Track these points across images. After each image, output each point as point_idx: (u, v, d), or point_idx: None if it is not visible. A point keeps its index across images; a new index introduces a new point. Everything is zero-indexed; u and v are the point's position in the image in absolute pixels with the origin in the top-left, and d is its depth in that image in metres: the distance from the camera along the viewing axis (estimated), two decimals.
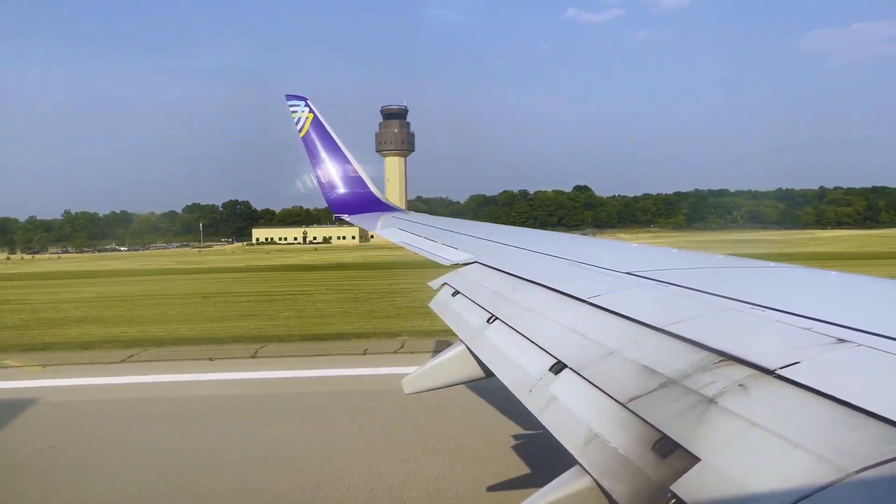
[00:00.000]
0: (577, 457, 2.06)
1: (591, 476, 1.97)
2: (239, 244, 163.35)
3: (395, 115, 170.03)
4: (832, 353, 1.90)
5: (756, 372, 1.86)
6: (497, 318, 3.69)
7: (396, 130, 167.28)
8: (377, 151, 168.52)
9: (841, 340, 1.97)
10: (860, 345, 1.92)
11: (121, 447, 10.03)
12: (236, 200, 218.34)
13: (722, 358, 2.04)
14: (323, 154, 11.67)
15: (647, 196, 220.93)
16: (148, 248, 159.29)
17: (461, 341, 3.92)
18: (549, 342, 2.93)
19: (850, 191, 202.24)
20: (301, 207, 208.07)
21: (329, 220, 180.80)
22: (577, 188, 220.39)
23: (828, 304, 2.69)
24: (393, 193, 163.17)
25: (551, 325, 3.16)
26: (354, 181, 11.77)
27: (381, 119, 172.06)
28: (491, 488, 8.15)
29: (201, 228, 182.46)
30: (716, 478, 1.56)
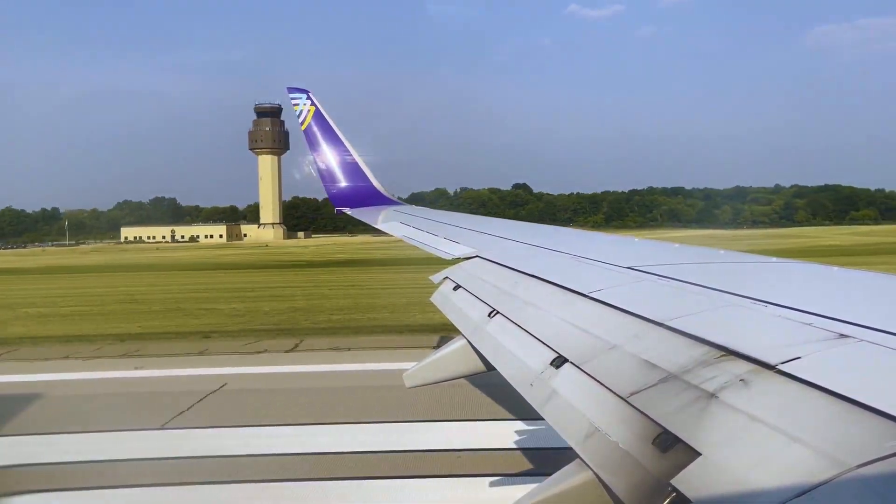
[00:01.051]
0: (577, 450, 2.07)
1: (592, 470, 1.97)
2: (103, 243, 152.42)
3: (267, 114, 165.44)
4: (833, 348, 1.90)
5: (757, 367, 1.86)
6: (498, 313, 3.69)
7: (268, 129, 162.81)
8: (250, 150, 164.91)
9: (842, 336, 1.97)
10: (861, 340, 1.92)
11: None
12: (163, 197, 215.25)
13: (723, 353, 2.04)
14: (324, 147, 11.65)
15: (571, 195, 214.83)
16: (25, 247, 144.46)
17: (462, 335, 3.92)
18: (550, 336, 2.93)
19: (801, 189, 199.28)
20: (227, 206, 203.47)
21: (254, 219, 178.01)
22: (516, 185, 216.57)
23: (829, 300, 2.68)
24: (266, 193, 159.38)
25: (552, 320, 3.16)
26: (356, 175, 11.75)
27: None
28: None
29: (66, 227, 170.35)
30: (716, 472, 1.56)
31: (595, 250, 4.66)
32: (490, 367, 3.51)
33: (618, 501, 1.81)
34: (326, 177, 11.69)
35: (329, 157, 11.67)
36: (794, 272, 3.66)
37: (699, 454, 1.65)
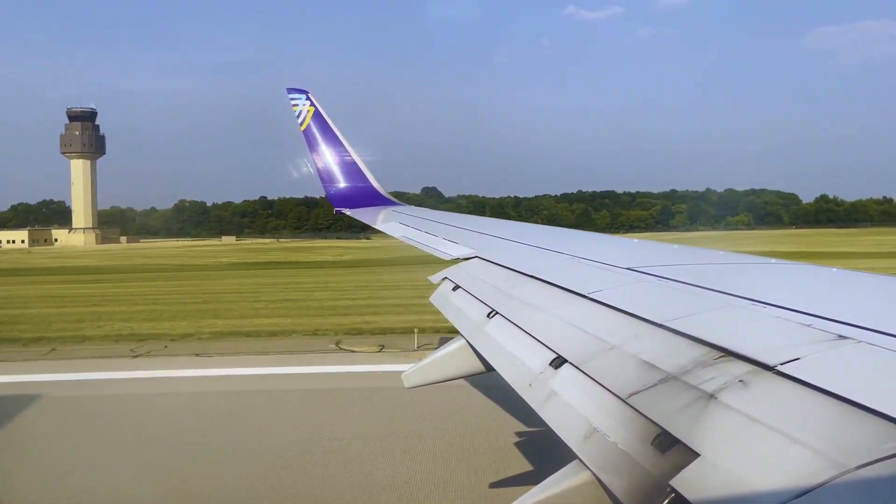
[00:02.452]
0: (576, 451, 2.06)
1: (591, 470, 1.97)
2: None
3: (79, 118, 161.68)
4: (832, 349, 1.90)
5: (756, 368, 1.86)
6: (497, 313, 3.69)
7: (78, 133, 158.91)
8: (62, 153, 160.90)
9: (841, 337, 1.97)
10: (860, 342, 1.92)
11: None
12: (51, 200, 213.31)
13: (722, 354, 2.04)
14: (324, 147, 11.63)
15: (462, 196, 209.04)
16: None
17: (461, 336, 3.92)
18: (549, 337, 2.93)
19: (732, 193, 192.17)
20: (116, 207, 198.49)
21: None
22: (425, 189, 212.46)
23: (828, 301, 2.68)
24: (78, 197, 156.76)
25: (551, 320, 3.16)
26: (356, 175, 11.73)
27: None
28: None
29: None
30: (715, 473, 1.56)
31: (594, 251, 4.66)
32: (489, 368, 3.51)
33: (617, 502, 1.81)
34: (325, 177, 11.68)
35: (328, 157, 11.66)
36: (792, 273, 3.66)
37: (698, 455, 1.65)
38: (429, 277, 5.51)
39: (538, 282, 3.85)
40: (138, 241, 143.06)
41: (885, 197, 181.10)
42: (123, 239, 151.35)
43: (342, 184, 11.68)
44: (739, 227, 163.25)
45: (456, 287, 4.73)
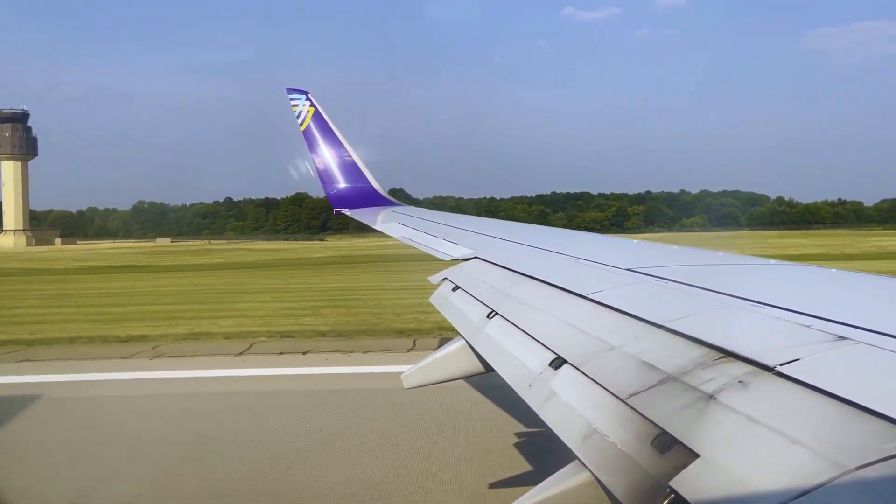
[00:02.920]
0: (576, 452, 2.07)
1: (591, 471, 1.97)
2: None
3: (9, 119, 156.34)
4: (832, 350, 1.90)
5: (756, 369, 1.87)
6: (497, 314, 3.69)
7: (8, 134, 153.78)
8: None
9: (841, 338, 1.97)
10: (860, 342, 1.92)
11: None
12: None
13: (722, 354, 2.04)
14: (324, 148, 11.64)
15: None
16: None
17: (461, 336, 3.93)
18: (548, 337, 2.93)
19: (706, 193, 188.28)
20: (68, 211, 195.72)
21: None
22: (392, 190, 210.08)
23: (828, 302, 2.69)
24: (9, 199, 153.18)
25: (551, 321, 3.16)
26: (356, 176, 11.74)
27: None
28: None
29: None
30: (715, 474, 1.56)
31: (594, 252, 4.67)
32: (489, 368, 3.52)
33: (616, 502, 1.81)
34: (325, 178, 11.69)
35: (328, 158, 11.66)
36: (792, 274, 3.67)
37: (698, 455, 1.65)
38: (428, 278, 5.53)
39: (538, 282, 3.85)
40: (75, 244, 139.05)
41: (839, 199, 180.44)
42: (58, 241, 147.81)
43: (342, 184, 11.69)
44: (694, 228, 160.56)
45: (455, 287, 4.73)
